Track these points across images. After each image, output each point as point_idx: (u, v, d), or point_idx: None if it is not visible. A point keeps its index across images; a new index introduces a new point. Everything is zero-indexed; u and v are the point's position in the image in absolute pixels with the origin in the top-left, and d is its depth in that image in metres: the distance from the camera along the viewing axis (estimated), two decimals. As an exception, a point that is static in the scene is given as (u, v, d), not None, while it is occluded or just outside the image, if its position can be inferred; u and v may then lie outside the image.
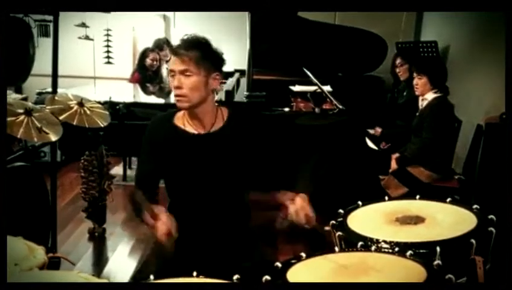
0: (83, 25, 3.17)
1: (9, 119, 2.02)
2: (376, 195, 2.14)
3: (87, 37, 3.17)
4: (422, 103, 3.65)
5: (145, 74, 5.02)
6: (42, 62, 5.70)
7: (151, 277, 1.54)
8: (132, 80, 5.04)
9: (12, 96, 4.66)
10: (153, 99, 4.98)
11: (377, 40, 5.36)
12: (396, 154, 3.58)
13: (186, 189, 2.01)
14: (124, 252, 3.54)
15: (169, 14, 6.09)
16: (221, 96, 3.61)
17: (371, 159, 3.48)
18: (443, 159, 3.58)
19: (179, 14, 6.09)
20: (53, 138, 2.16)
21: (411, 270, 1.52)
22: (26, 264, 1.61)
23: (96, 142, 2.99)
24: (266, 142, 2.04)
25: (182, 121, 2.01)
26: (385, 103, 4.93)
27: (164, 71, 5.36)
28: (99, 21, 4.68)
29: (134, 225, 3.78)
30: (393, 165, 3.52)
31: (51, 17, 2.41)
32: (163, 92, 4.92)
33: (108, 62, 3.64)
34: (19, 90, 5.26)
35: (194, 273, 1.55)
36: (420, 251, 1.67)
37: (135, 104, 3.28)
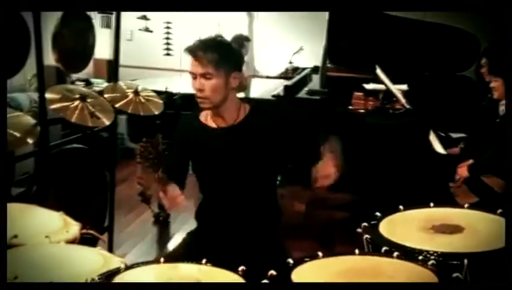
0: (144, 17, 3.32)
1: (65, 104, 2.20)
2: (445, 202, 2.06)
3: (147, 29, 3.33)
4: (502, 109, 3.37)
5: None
6: (130, 54, 6.05)
7: (162, 259, 1.60)
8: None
9: (103, 85, 5.00)
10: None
11: (469, 37, 5.02)
12: (470, 161, 3.34)
13: (212, 182, 2.07)
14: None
15: (253, 10, 6.18)
16: (279, 91, 3.61)
17: (437, 164, 3.28)
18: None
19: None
20: (106, 122, 2.32)
21: (422, 280, 1.43)
22: (56, 237, 1.73)
23: (153, 130, 3.14)
24: (282, 138, 2.03)
25: (205, 117, 2.09)
26: (467, 104, 4.60)
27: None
28: (171, 17, 4.89)
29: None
30: (464, 172, 3.29)
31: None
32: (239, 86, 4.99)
33: (168, 54, 3.78)
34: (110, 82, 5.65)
35: (204, 261, 1.59)
36: (452, 262, 1.59)
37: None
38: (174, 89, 3.44)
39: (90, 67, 6.19)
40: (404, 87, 4.06)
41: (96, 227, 2.30)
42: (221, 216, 2.06)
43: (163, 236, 3.69)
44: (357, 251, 1.67)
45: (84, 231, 1.88)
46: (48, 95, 2.22)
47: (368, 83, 4.29)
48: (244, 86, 4.87)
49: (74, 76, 5.61)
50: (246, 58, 5.54)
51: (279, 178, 4.82)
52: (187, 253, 2.05)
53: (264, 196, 2.07)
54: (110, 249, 2.97)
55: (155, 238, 3.70)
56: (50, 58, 2.31)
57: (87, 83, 5.49)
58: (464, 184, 3.33)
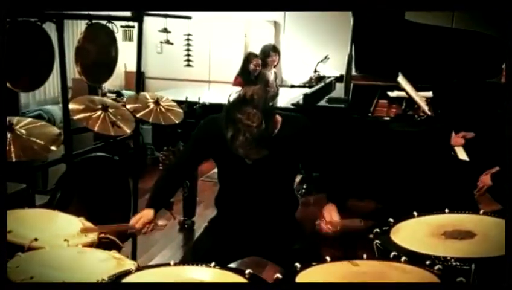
0: (165, 30, 3.42)
1: (87, 114, 2.30)
2: (469, 209, 2.04)
3: (167, 42, 3.42)
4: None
5: (248, 78, 5.19)
6: (160, 66, 6.22)
7: (172, 262, 1.65)
8: (235, 83, 5.26)
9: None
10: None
11: (497, 43, 4.94)
12: (494, 170, 3.28)
13: (236, 182, 2.12)
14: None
15: (280, 20, 6.26)
16: (298, 99, 3.64)
17: (460, 171, 3.23)
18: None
19: (289, 22, 6.24)
20: (127, 131, 2.41)
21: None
22: (75, 241, 1.81)
23: (175, 138, 3.22)
24: (306, 147, 2.11)
25: None
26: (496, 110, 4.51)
27: (271, 76, 5.50)
28: (200, 29, 4.95)
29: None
30: (488, 181, 3.22)
31: (135, 23, 2.68)
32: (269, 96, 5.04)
33: (188, 65, 3.87)
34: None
35: (212, 264, 1.64)
36: (459, 267, 1.58)
37: (211, 105, 3.45)
38: (195, 98, 3.52)
39: (121, 79, 6.44)
40: (429, 94, 4.03)
41: (120, 233, 2.37)
42: (238, 204, 2.14)
43: (188, 243, 3.75)
44: (365, 256, 1.69)
45: (102, 235, 1.95)
46: (71, 106, 2.32)
47: (392, 90, 4.28)
48: (274, 95, 4.94)
49: (106, 88, 5.81)
50: (274, 68, 5.62)
51: (304, 186, 4.87)
52: (209, 238, 2.19)
53: (282, 187, 2.15)
54: (134, 255, 3.05)
55: (180, 244, 3.77)
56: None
57: (118, 95, 5.66)
58: (487, 192, 3.27)
